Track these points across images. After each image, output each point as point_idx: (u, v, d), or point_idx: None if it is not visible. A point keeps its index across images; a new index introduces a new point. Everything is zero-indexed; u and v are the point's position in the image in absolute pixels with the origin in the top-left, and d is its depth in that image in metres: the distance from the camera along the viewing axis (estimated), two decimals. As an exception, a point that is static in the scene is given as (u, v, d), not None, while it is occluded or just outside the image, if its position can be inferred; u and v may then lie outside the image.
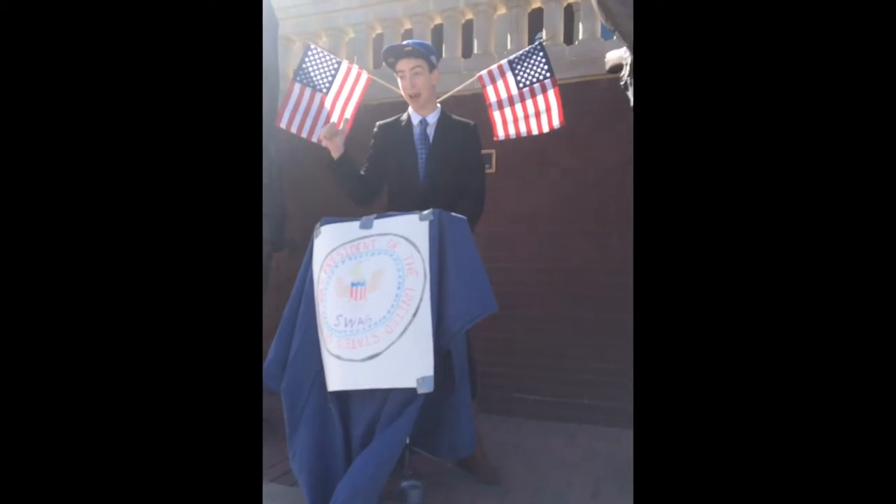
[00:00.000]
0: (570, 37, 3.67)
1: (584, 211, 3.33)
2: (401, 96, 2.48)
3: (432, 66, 2.42)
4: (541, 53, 2.83)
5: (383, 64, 4.01)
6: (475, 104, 3.19)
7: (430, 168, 2.42)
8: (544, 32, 3.56)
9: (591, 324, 3.28)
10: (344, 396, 2.00)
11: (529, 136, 2.89)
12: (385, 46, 3.77)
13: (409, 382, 1.86)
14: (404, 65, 2.38)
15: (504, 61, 2.92)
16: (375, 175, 2.50)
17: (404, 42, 2.43)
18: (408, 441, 2.11)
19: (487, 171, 3.51)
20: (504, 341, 3.42)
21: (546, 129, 2.84)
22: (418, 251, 1.98)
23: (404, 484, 2.10)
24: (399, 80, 2.43)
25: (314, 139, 3.06)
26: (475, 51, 3.79)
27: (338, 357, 1.95)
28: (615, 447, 2.75)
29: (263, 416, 3.23)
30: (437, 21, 3.94)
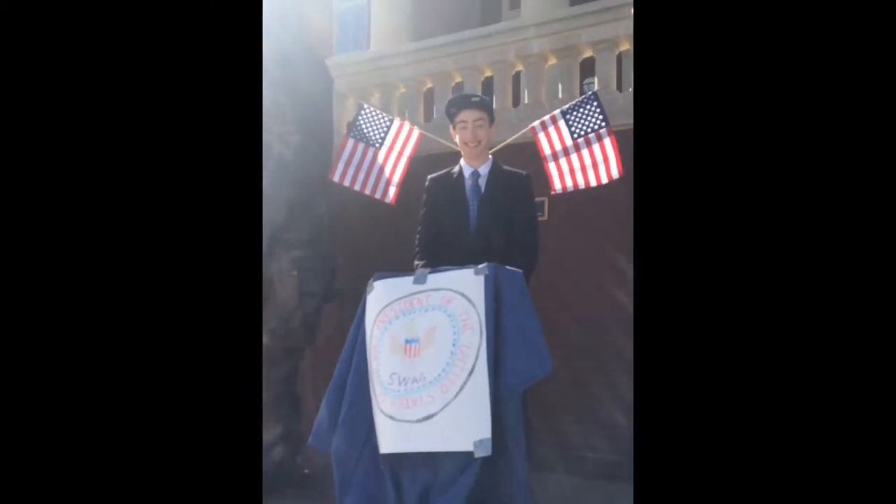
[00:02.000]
0: (621, 83, 3.64)
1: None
2: (449, 148, 2.47)
3: (492, 121, 2.44)
4: (595, 102, 2.79)
5: (433, 117, 4.08)
6: (525, 153, 3.16)
7: (482, 219, 2.39)
8: (596, 80, 3.54)
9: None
10: (397, 458, 1.90)
11: (588, 189, 2.82)
12: (449, 97, 3.82)
13: (466, 445, 1.77)
14: (468, 115, 2.39)
15: (556, 111, 2.89)
16: (433, 233, 2.47)
17: (470, 94, 2.45)
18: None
19: (539, 218, 3.44)
20: (559, 395, 3.27)
21: (605, 181, 2.77)
22: (474, 307, 1.91)
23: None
24: (459, 130, 2.41)
25: (367, 191, 3.08)
26: (525, 100, 3.80)
27: (391, 417, 1.88)
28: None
29: (307, 470, 3.16)
30: (487, 73, 3.98)
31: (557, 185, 2.87)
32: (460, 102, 2.43)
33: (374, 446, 1.94)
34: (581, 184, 2.81)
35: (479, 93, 3.83)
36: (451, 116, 2.47)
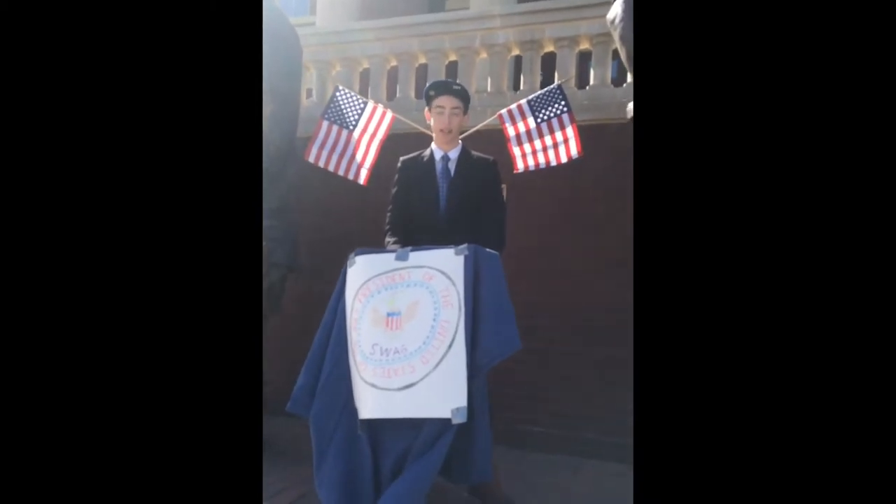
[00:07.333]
0: (581, 82, 3.83)
1: (590, 248, 3.44)
2: (415, 128, 2.55)
3: (465, 111, 2.54)
4: (559, 93, 2.98)
5: (397, 95, 4.13)
6: (489, 138, 3.29)
7: (451, 201, 2.50)
8: (557, 76, 3.71)
9: (595, 359, 3.36)
10: (375, 425, 2.02)
11: (548, 168, 3.01)
12: (413, 78, 3.86)
13: (444, 413, 1.90)
14: (446, 101, 2.47)
15: (524, 101, 3.04)
16: (404, 212, 2.56)
17: (451, 81, 2.53)
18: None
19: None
20: (507, 372, 3.47)
21: (564, 160, 2.96)
22: (454, 284, 2.04)
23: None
24: (435, 115, 2.50)
25: (340, 172, 3.14)
26: (488, 88, 3.92)
27: (373, 385, 1.99)
28: (620, 484, 2.80)
29: (267, 440, 3.21)
30: (452, 58, 4.06)
31: (520, 165, 3.06)
32: (441, 87, 2.51)
33: (352, 413, 2.05)
34: (542, 163, 3.01)
35: (443, 76, 3.92)
36: (428, 99, 2.54)
